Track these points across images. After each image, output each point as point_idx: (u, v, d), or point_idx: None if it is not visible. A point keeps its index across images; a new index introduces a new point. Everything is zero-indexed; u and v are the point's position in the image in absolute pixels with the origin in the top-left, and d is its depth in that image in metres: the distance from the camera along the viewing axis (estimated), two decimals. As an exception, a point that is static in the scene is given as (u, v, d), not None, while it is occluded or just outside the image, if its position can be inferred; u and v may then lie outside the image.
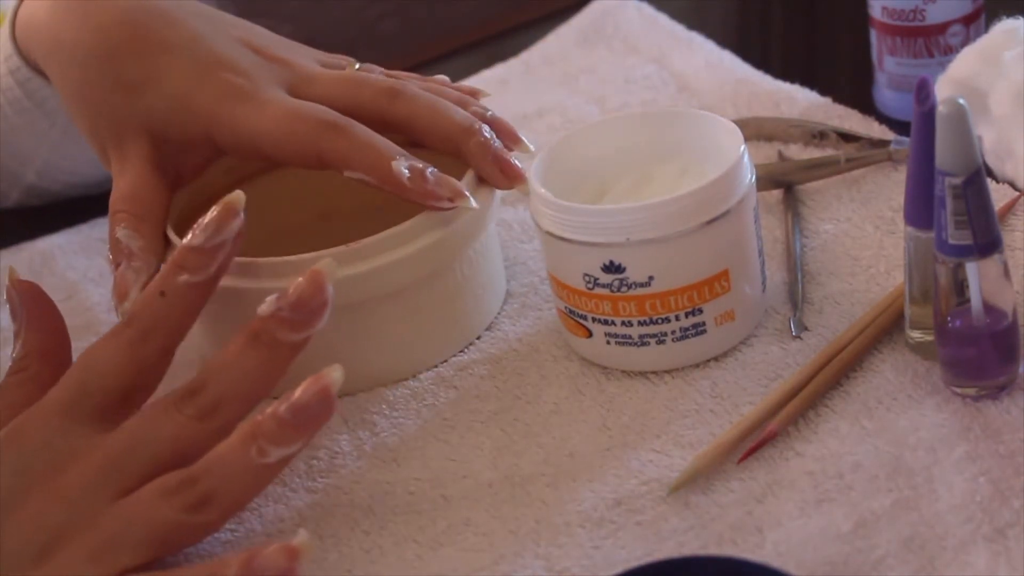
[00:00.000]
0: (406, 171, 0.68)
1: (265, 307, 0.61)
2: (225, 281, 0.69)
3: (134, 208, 0.71)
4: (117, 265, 0.70)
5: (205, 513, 0.59)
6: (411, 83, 0.74)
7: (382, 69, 0.76)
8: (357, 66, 0.76)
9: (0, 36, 0.86)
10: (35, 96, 0.85)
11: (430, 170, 0.69)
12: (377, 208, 0.75)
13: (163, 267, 0.64)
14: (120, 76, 0.73)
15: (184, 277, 0.63)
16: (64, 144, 0.88)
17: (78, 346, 0.78)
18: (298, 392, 0.60)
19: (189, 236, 0.64)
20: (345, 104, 0.72)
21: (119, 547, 0.58)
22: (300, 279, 0.62)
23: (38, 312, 0.67)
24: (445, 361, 0.72)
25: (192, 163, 0.74)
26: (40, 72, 0.81)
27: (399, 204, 0.74)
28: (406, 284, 0.70)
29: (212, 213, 0.64)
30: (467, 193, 0.69)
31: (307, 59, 0.75)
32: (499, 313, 0.75)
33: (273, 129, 0.70)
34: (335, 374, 0.60)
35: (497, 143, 0.72)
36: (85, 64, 0.74)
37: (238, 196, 0.64)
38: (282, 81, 0.72)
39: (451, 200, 0.68)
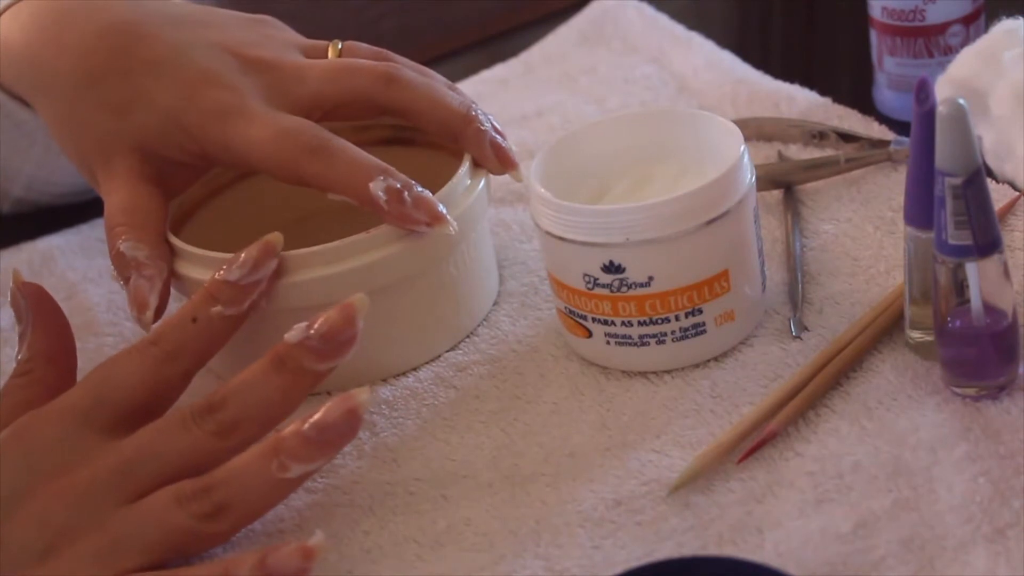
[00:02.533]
0: (382, 194, 0.67)
1: (293, 334, 0.62)
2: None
3: (132, 219, 0.70)
4: (127, 280, 0.69)
5: (218, 523, 0.59)
6: (403, 68, 0.73)
7: (367, 46, 0.76)
8: (340, 45, 0.75)
9: None
10: (13, 117, 0.84)
11: (411, 191, 0.68)
12: (350, 211, 0.75)
13: (196, 294, 0.66)
14: (105, 98, 0.72)
15: (217, 308, 0.65)
16: (47, 160, 0.88)
17: (77, 347, 0.78)
18: (323, 411, 0.60)
19: (225, 269, 0.65)
20: (340, 95, 0.72)
21: (126, 549, 0.58)
22: (331, 311, 0.62)
23: (43, 315, 0.67)
24: (438, 357, 0.72)
25: (184, 176, 0.74)
26: (16, 97, 0.81)
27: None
28: (396, 281, 0.70)
29: (252, 251, 0.65)
30: (447, 217, 0.68)
31: (289, 51, 0.74)
32: (499, 313, 0.75)
33: (260, 149, 0.69)
34: (363, 396, 0.60)
35: (492, 130, 0.72)
36: (67, 90, 0.73)
37: (278, 238, 0.66)
38: (270, 88, 0.71)
39: (428, 224, 0.68)
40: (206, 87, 0.71)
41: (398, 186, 0.68)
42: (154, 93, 0.71)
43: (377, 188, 0.67)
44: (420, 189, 0.68)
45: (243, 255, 0.66)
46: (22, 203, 0.91)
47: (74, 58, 0.73)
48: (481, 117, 0.72)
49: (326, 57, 0.75)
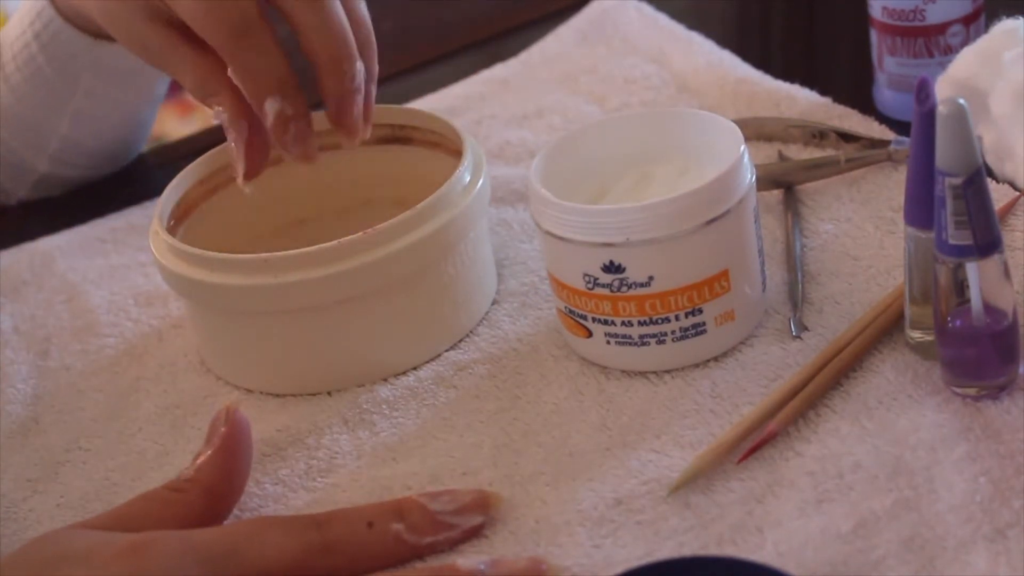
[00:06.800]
0: (271, 114, 0.69)
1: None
2: (218, 278, 0.69)
3: (203, 87, 0.71)
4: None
5: None
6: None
7: None
8: None
9: (10, 22, 0.86)
10: (56, 60, 0.84)
11: (298, 123, 0.69)
12: (348, 211, 0.75)
13: (388, 502, 0.61)
14: None
15: (399, 526, 0.60)
16: (89, 107, 0.87)
17: (76, 348, 0.78)
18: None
19: (430, 495, 0.61)
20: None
21: None
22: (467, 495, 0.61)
23: (231, 449, 0.63)
24: (438, 356, 0.72)
25: None
26: (73, 23, 0.81)
27: (369, 207, 0.75)
28: (395, 281, 0.70)
29: (467, 495, 0.61)
30: (315, 155, 0.70)
31: None
32: (499, 312, 0.75)
33: (195, 13, 0.69)
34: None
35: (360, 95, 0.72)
36: None
37: (498, 499, 0.62)
38: None
39: (296, 158, 0.70)
40: None
41: (291, 112, 0.69)
42: None
43: (271, 107, 0.69)
44: (308, 124, 0.69)
45: (458, 494, 0.61)
46: (44, 183, 0.91)
47: None
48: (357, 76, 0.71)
49: None
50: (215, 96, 0.71)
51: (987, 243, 0.59)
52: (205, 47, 0.71)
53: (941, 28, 0.82)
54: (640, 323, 0.67)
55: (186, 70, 0.72)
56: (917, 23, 0.82)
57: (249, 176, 0.71)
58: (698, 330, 0.67)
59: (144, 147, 0.97)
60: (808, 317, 0.70)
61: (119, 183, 0.95)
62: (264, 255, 0.69)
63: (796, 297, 0.71)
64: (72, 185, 0.93)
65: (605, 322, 0.67)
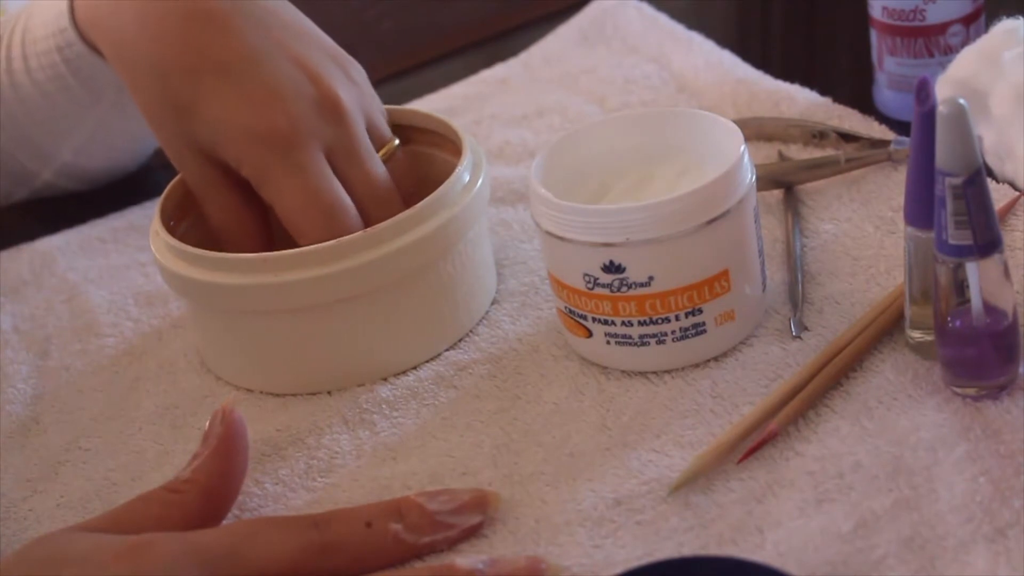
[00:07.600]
0: None
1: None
2: (218, 277, 0.69)
3: (232, 239, 0.74)
4: None
5: None
6: None
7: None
8: (396, 142, 0.75)
9: (42, 10, 0.84)
10: (81, 73, 0.84)
11: None
12: None
13: (387, 502, 0.61)
14: (168, 94, 0.72)
15: (397, 526, 0.60)
16: (112, 117, 0.87)
17: (76, 348, 0.78)
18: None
19: (428, 494, 0.61)
20: (359, 204, 0.72)
21: None
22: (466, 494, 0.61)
23: (227, 451, 0.63)
24: (438, 356, 0.72)
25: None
26: (98, 52, 0.80)
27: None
28: (394, 280, 0.70)
29: (465, 494, 0.61)
30: None
31: (356, 111, 0.73)
32: (499, 312, 0.75)
33: (289, 205, 0.70)
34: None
35: None
36: (142, 76, 0.73)
37: (496, 498, 0.62)
38: (325, 140, 0.71)
39: None
40: (264, 107, 0.70)
41: None
42: (211, 98, 0.71)
43: None
44: None
45: (457, 493, 0.61)
46: (66, 171, 0.90)
47: (151, 43, 0.72)
48: None
49: (381, 147, 0.74)
50: (232, 245, 0.74)
51: (987, 243, 0.59)
52: (243, 196, 0.72)
53: (941, 28, 0.82)
54: (640, 323, 0.67)
55: (216, 210, 0.74)
56: (917, 23, 0.82)
57: None
58: (698, 330, 0.67)
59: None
60: (808, 317, 0.70)
61: (119, 183, 0.95)
62: (263, 254, 0.69)
63: (796, 297, 0.71)
64: (98, 176, 0.93)
65: (605, 322, 0.67)
